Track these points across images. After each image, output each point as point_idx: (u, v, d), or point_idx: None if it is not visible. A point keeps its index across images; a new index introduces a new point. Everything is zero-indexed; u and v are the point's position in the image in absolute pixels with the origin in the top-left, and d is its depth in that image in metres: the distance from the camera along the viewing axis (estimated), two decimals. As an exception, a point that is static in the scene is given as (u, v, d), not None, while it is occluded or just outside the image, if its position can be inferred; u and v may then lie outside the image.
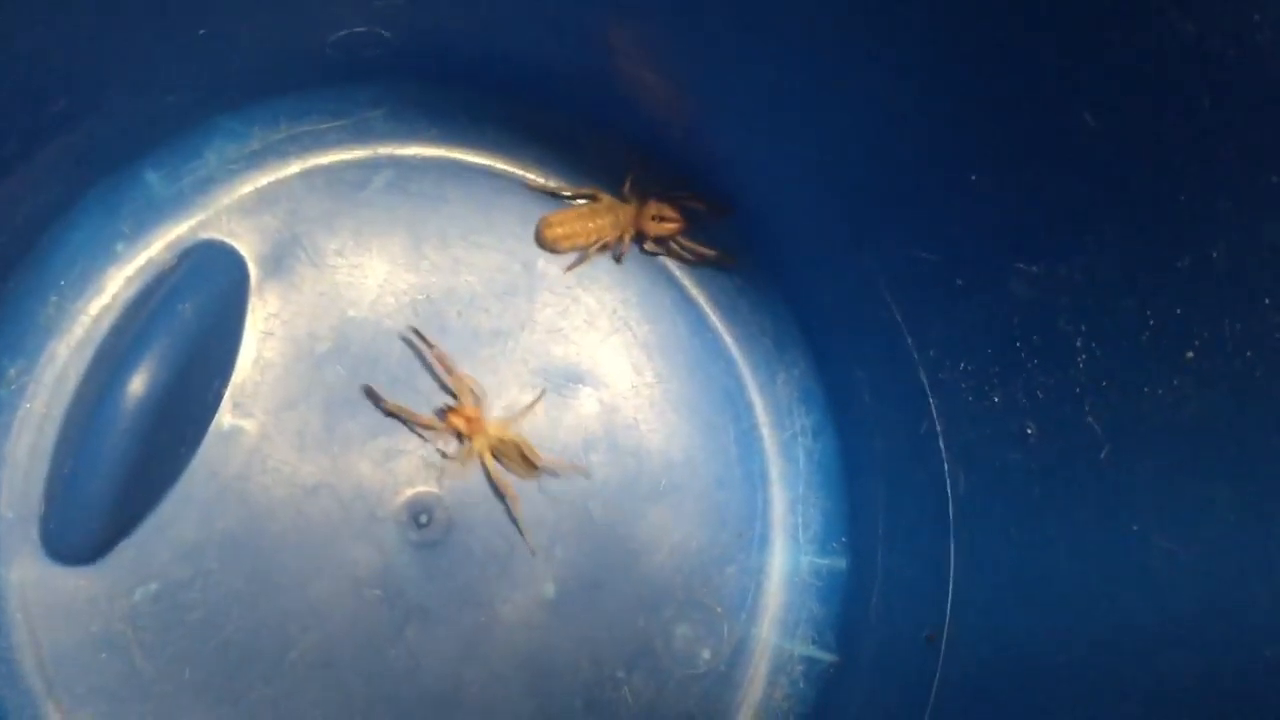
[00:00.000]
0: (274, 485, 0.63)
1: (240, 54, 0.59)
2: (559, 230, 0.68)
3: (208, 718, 0.61)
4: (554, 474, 0.66)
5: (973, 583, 0.58)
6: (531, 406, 0.66)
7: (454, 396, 0.66)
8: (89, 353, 0.62)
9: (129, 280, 0.63)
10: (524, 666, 0.65)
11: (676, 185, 0.68)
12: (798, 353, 0.69)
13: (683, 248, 0.69)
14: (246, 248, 0.65)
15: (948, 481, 0.60)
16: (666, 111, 0.64)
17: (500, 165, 0.68)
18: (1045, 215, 0.48)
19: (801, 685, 0.67)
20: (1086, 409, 0.50)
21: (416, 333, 0.65)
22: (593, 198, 0.69)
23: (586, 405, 0.68)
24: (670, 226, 0.67)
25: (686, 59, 0.59)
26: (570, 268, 0.69)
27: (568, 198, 0.69)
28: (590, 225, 0.68)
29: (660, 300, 0.69)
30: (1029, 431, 0.54)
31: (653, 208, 0.67)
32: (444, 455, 0.65)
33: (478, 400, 0.66)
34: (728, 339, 0.69)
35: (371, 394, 0.64)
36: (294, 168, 0.66)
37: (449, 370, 0.65)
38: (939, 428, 0.60)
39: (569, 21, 0.59)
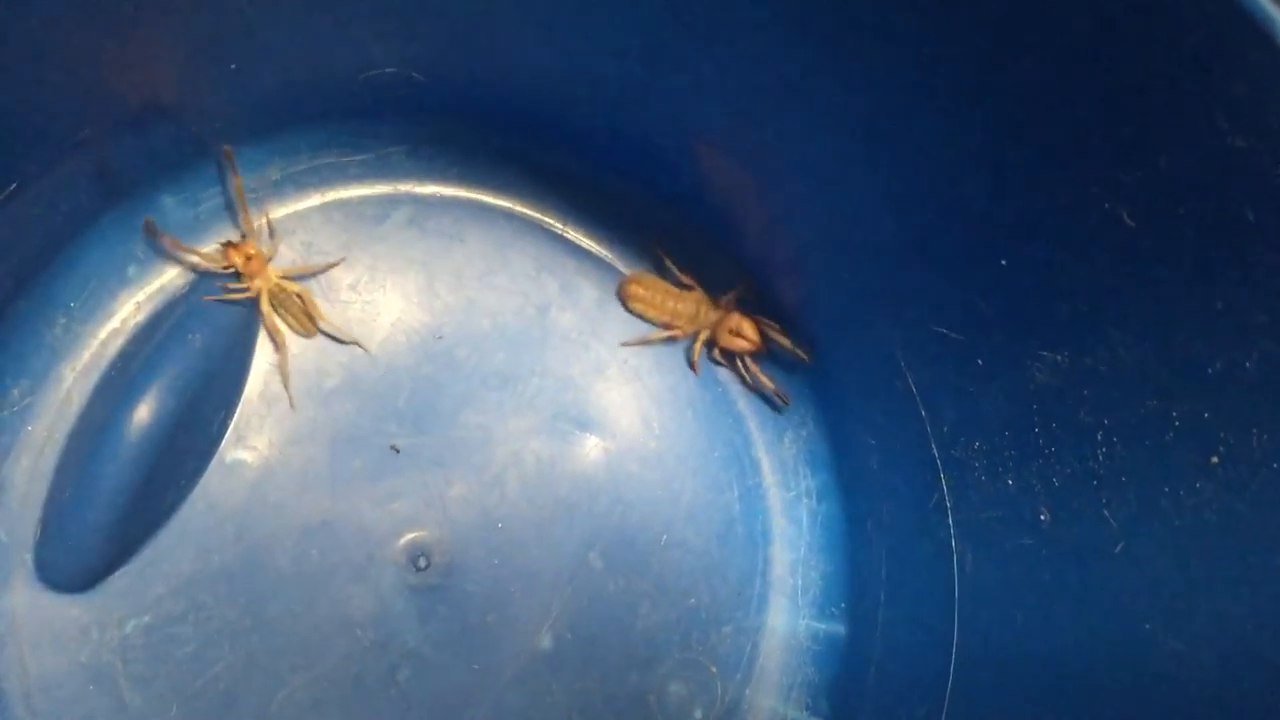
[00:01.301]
0: (273, 521, 0.62)
1: (268, 87, 0.58)
2: (640, 290, 0.68)
3: (192, 757, 0.61)
4: (335, 338, 0.65)
5: (976, 661, 0.57)
6: (327, 269, 0.65)
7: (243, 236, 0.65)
8: (95, 377, 0.61)
9: (139, 305, 0.63)
10: (514, 715, 0.63)
11: (768, 315, 0.67)
12: (807, 413, 0.69)
13: (747, 369, 0.68)
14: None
15: (955, 557, 0.59)
16: (701, 169, 0.64)
17: (520, 209, 0.68)
18: (1074, 306, 0.48)
19: (793, 751, 0.67)
20: (1104, 501, 0.50)
21: (228, 153, 0.63)
22: (689, 286, 0.68)
23: (592, 453, 0.67)
24: (742, 344, 0.67)
25: (720, 119, 0.59)
26: (629, 343, 0.68)
27: (669, 275, 0.69)
28: (670, 304, 0.68)
29: (672, 353, 0.69)
30: (1042, 518, 0.53)
31: (734, 320, 0.67)
32: (226, 289, 0.63)
33: (267, 245, 0.64)
34: (736, 395, 0.69)
35: (150, 227, 0.62)
36: (313, 200, 0.66)
37: (244, 206, 0.63)
38: (949, 503, 0.60)
39: (605, 81, 0.59)
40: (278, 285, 0.63)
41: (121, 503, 0.58)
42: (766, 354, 0.68)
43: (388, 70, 0.59)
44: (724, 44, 0.53)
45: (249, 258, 0.62)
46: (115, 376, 0.60)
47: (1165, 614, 0.47)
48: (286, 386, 0.64)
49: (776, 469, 0.69)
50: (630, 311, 0.69)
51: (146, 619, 0.60)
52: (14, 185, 0.52)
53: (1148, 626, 0.48)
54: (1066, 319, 0.49)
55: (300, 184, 0.65)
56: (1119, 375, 0.47)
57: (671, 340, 0.68)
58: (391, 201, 0.66)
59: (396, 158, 0.66)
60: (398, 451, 0.64)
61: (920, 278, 0.56)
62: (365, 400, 0.64)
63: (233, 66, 0.55)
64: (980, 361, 0.54)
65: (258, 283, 0.63)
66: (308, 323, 0.64)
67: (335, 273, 0.65)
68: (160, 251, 0.63)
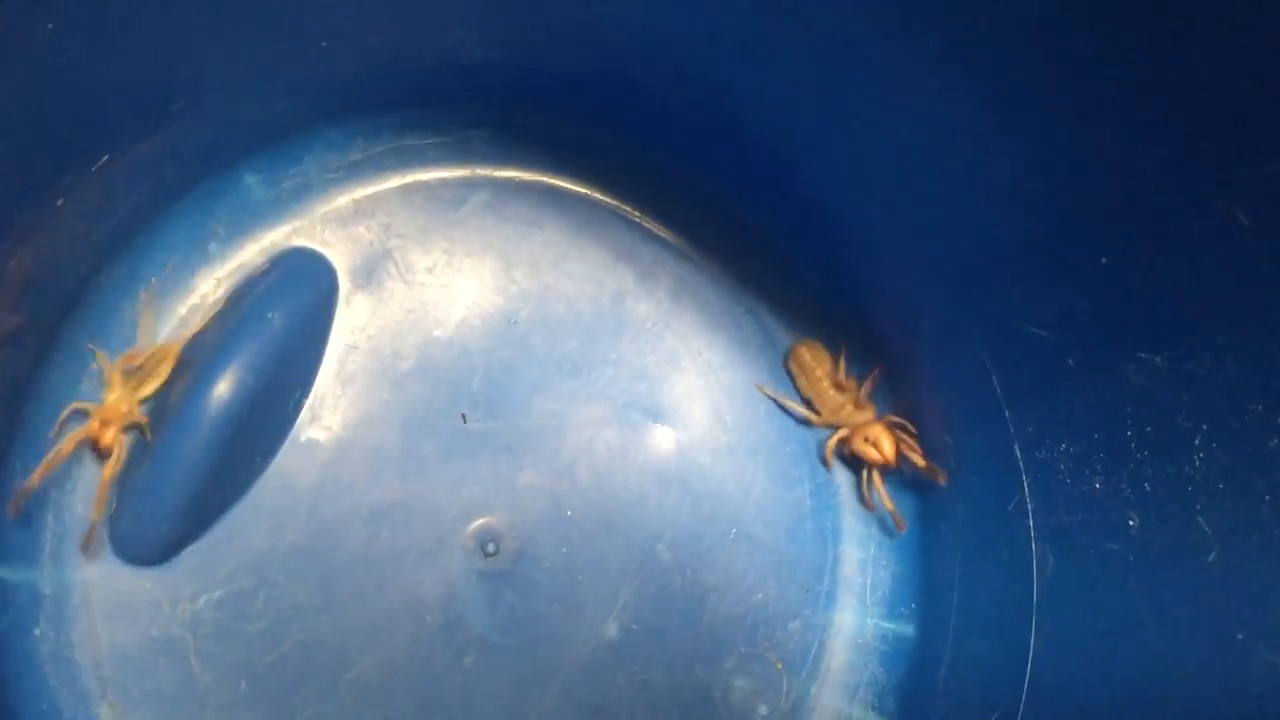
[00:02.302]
0: (345, 501, 0.62)
1: (354, 67, 0.58)
2: (806, 356, 0.67)
3: (259, 733, 0.61)
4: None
5: (1053, 668, 0.56)
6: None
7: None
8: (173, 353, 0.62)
9: (219, 281, 0.63)
10: (580, 707, 0.63)
11: (910, 428, 0.66)
12: (883, 410, 0.67)
13: (870, 480, 0.66)
14: (339, 258, 0.64)
15: (1034, 562, 0.58)
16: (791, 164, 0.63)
17: (598, 196, 0.68)
18: (1178, 308, 0.46)
19: (859, 751, 0.66)
20: (1198, 508, 0.48)
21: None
22: (844, 389, 0.66)
23: (662, 444, 0.66)
24: (874, 456, 0.64)
25: (815, 115, 0.58)
26: (766, 390, 0.67)
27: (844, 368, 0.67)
28: (823, 385, 0.66)
29: (745, 346, 0.68)
30: (1131, 523, 0.52)
31: (874, 430, 0.64)
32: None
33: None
34: (812, 389, 0.68)
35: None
36: (392, 182, 0.65)
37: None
38: (1030, 505, 0.58)
39: (694, 70, 0.58)
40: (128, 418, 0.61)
41: (197, 479, 0.58)
42: (898, 470, 0.65)
43: (473, 54, 0.58)
44: (826, 34, 0.52)
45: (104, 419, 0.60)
46: (194, 353, 0.61)
47: (1260, 625, 0.46)
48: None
49: (848, 466, 0.68)
50: (785, 368, 0.68)
51: (218, 594, 0.61)
52: (105, 158, 0.52)
53: (1240, 637, 0.46)
54: (1169, 321, 0.47)
55: (380, 165, 0.65)
56: (1222, 380, 0.46)
57: (805, 423, 0.67)
58: (470, 185, 0.66)
59: (476, 142, 0.66)
60: (465, 421, 0.64)
61: (1013, 275, 0.55)
62: (439, 383, 0.64)
63: (323, 44, 0.54)
64: (1071, 362, 0.53)
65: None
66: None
67: (413, 255, 0.65)
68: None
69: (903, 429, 0.65)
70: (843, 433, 0.66)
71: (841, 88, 0.55)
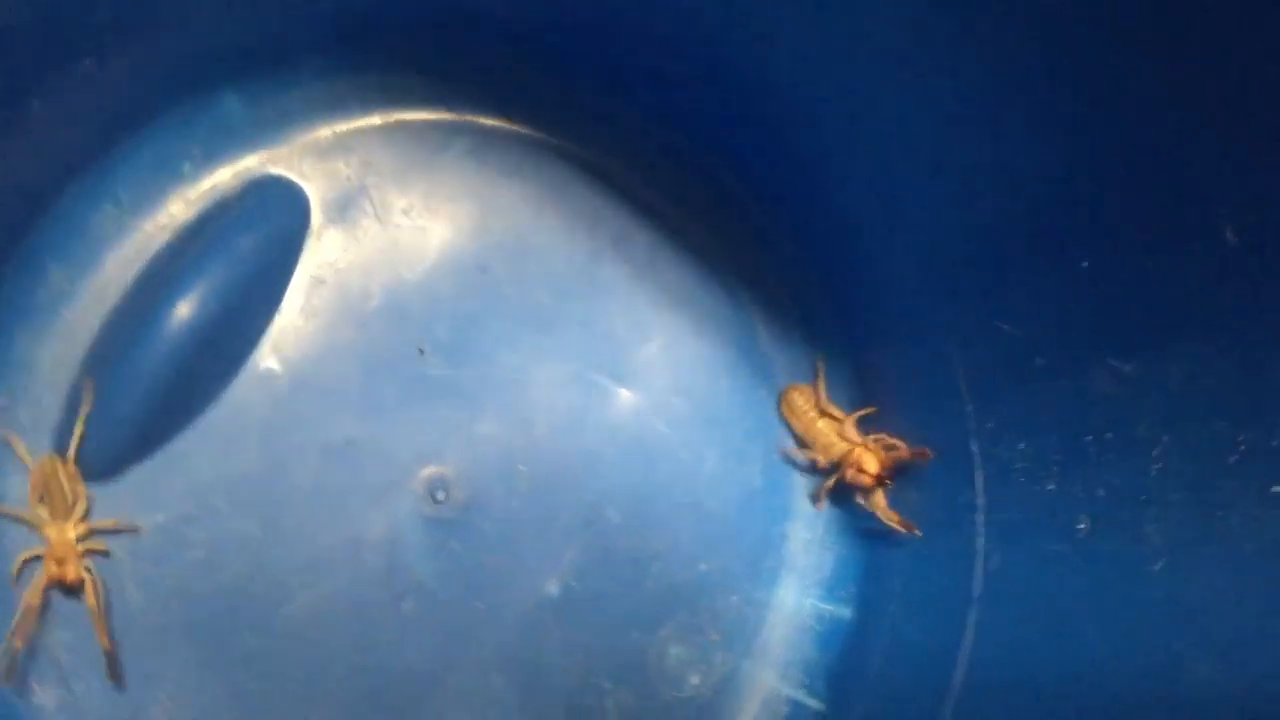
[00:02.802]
0: (298, 436, 0.61)
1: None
2: (798, 400, 0.66)
3: (190, 660, 0.59)
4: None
5: (987, 663, 0.57)
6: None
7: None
8: (136, 269, 0.60)
9: (190, 203, 0.61)
10: (513, 660, 0.63)
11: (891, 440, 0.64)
12: (841, 387, 0.67)
13: (869, 501, 0.64)
14: (314, 190, 0.63)
15: (979, 556, 0.59)
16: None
17: (583, 153, 0.66)
18: (1156, 316, 0.47)
19: (784, 728, 0.66)
20: (1150, 516, 0.49)
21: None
22: (831, 415, 0.66)
23: (623, 408, 0.66)
24: (865, 479, 0.63)
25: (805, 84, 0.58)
26: (787, 453, 0.67)
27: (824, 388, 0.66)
28: (816, 423, 0.66)
29: (715, 317, 0.68)
30: (1080, 526, 0.53)
31: (854, 455, 0.63)
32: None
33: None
34: (776, 369, 0.68)
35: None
36: (375, 119, 0.64)
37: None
38: (980, 501, 0.59)
39: (691, 37, 0.58)
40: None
41: (150, 397, 0.57)
42: (890, 485, 0.64)
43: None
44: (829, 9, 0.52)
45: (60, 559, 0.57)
46: (158, 271, 0.59)
47: (1198, 636, 0.47)
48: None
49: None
50: (779, 415, 0.67)
51: (160, 517, 0.59)
52: (88, 61, 0.51)
53: (1177, 647, 0.47)
54: (1144, 329, 0.48)
55: (365, 101, 0.64)
56: (1190, 392, 0.46)
57: (813, 464, 0.66)
58: (454, 130, 0.65)
59: (464, 87, 0.65)
60: (423, 353, 0.63)
61: (992, 269, 0.55)
62: (404, 326, 0.63)
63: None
64: (1040, 362, 0.54)
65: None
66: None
67: (390, 195, 0.64)
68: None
69: (883, 443, 0.64)
70: (838, 473, 0.65)
71: (840, 63, 0.55)
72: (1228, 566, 0.46)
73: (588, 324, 0.66)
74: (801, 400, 0.67)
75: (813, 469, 0.67)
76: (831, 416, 0.66)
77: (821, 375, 0.67)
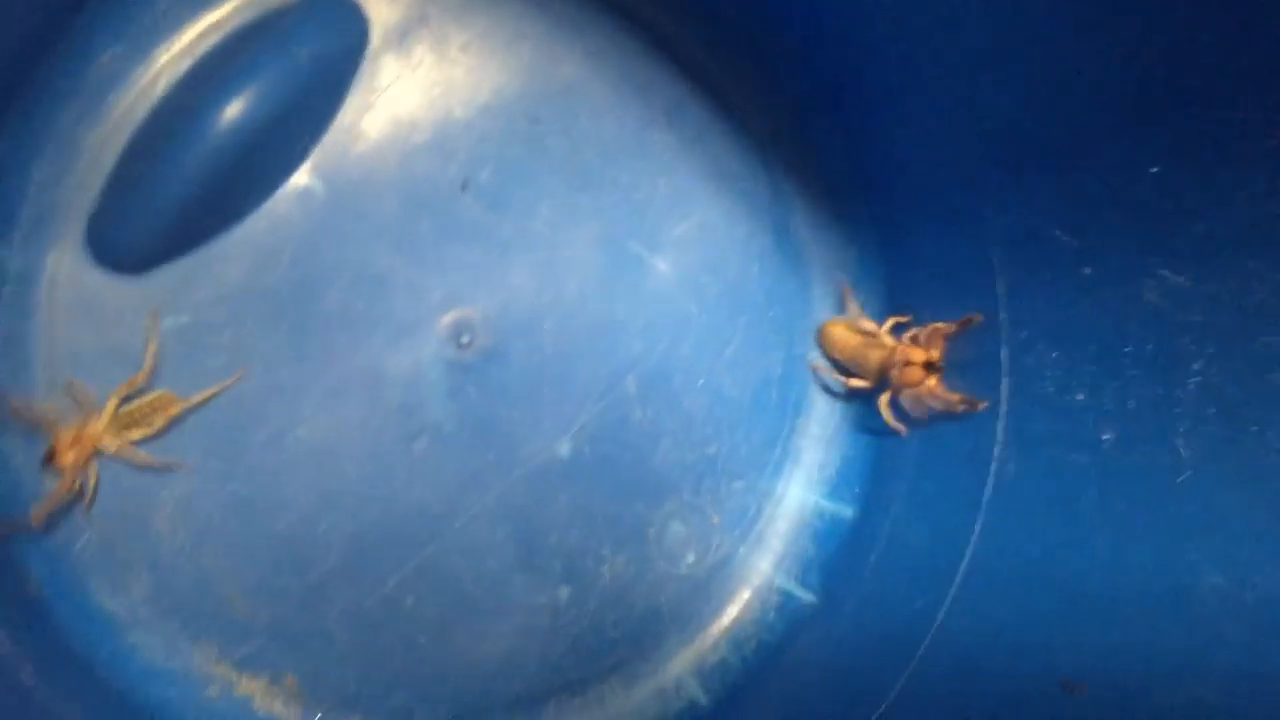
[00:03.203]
0: (331, 258, 0.61)
1: None
2: (835, 333, 0.65)
3: (198, 465, 0.59)
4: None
5: (990, 568, 0.57)
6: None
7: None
8: (186, 64, 0.59)
9: (248, 5, 0.60)
10: (517, 514, 0.63)
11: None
12: (873, 291, 0.67)
13: (928, 394, 0.61)
14: (375, 12, 0.61)
15: (993, 464, 0.59)
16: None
17: (652, 17, 0.65)
18: (1215, 227, 0.47)
19: (773, 616, 0.66)
20: (1180, 430, 0.49)
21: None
22: (870, 332, 0.64)
23: (654, 280, 0.65)
24: (913, 373, 0.61)
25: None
26: (817, 367, 0.67)
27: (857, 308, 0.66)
28: (855, 346, 0.64)
29: (757, 201, 0.67)
30: (1105, 438, 0.53)
31: (901, 354, 0.61)
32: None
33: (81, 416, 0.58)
34: (811, 259, 0.67)
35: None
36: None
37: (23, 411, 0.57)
38: (1003, 408, 0.59)
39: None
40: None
41: (189, 195, 0.56)
42: (941, 367, 0.62)
43: None
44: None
45: (77, 441, 0.56)
46: (211, 68, 0.58)
47: (1214, 549, 0.47)
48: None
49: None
50: (821, 350, 0.67)
51: (185, 319, 0.59)
52: None
53: (1191, 557, 0.48)
54: (1202, 239, 0.48)
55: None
56: (1241, 306, 0.46)
57: (861, 390, 0.65)
58: (523, -32, 0.64)
59: (538, -74, 0.63)
60: (464, 189, 0.62)
61: (1048, 169, 0.54)
62: (448, 164, 0.62)
63: None
64: (1088, 271, 0.53)
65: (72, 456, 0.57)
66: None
67: (449, 28, 0.62)
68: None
69: (923, 332, 0.63)
70: (891, 388, 0.63)
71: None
72: (1254, 482, 0.46)
73: (630, 190, 0.65)
74: (838, 330, 0.66)
75: (859, 395, 0.66)
76: (866, 332, 0.65)
77: (849, 295, 0.67)
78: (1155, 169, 0.49)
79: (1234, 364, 0.47)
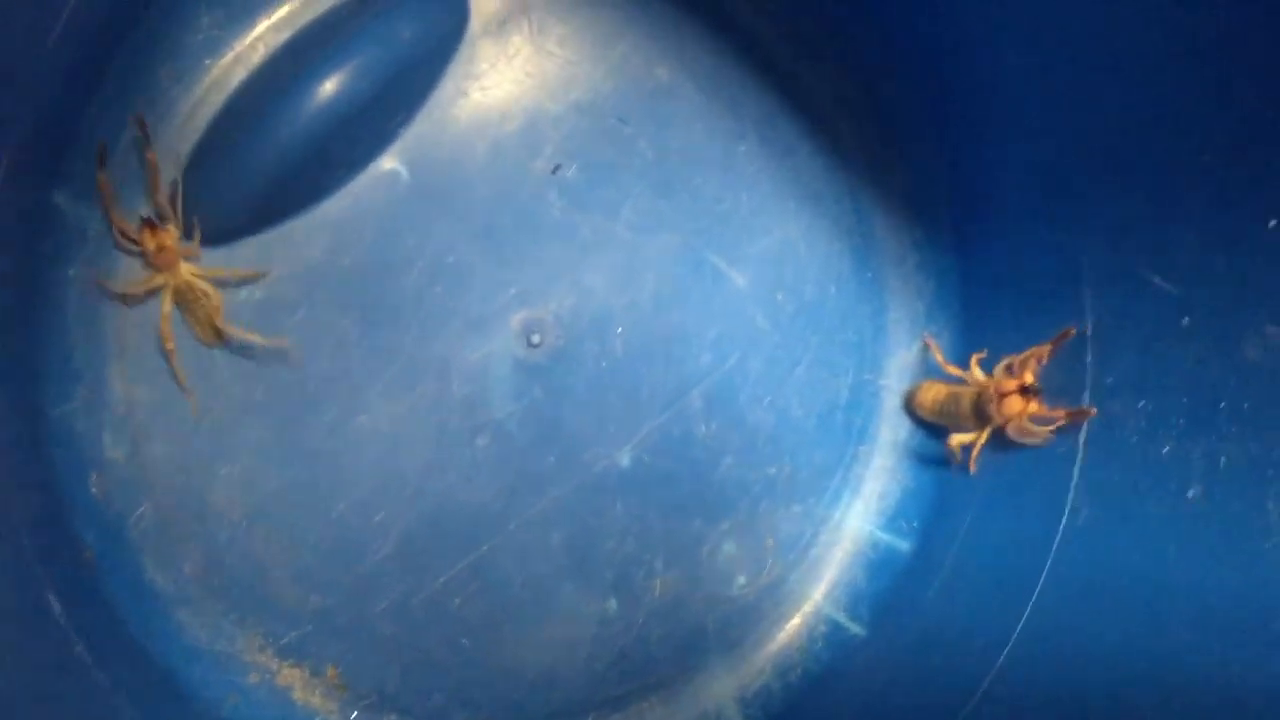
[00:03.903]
0: (411, 244, 0.60)
1: None
2: (925, 395, 0.63)
3: (261, 444, 0.59)
4: (244, 343, 0.58)
5: (1057, 617, 0.56)
6: (243, 280, 0.59)
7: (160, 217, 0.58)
8: (285, 35, 0.58)
9: (348, -22, 0.59)
10: (573, 519, 0.62)
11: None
12: (950, 323, 0.66)
13: (1031, 417, 0.59)
14: (476, -1, 0.61)
15: (1066, 510, 0.58)
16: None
17: (753, 25, 0.64)
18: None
19: (820, 646, 0.65)
20: (1273, 494, 0.48)
21: (141, 122, 0.56)
22: (960, 379, 0.62)
23: (728, 294, 0.64)
24: (1012, 402, 0.58)
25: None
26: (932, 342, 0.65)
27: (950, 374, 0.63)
28: (949, 407, 0.62)
29: (839, 224, 0.66)
30: (1190, 494, 0.52)
31: (995, 387, 0.59)
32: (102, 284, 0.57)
33: (185, 235, 0.58)
34: (890, 284, 0.66)
35: (103, 151, 0.55)
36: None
37: (156, 184, 0.56)
38: (1080, 454, 0.58)
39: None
40: (186, 283, 0.57)
41: (277, 169, 0.56)
42: (1040, 390, 0.59)
43: None
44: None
45: (161, 248, 0.56)
46: (311, 42, 0.57)
47: (1307, 618, 0.46)
48: (182, 385, 0.58)
49: (896, 371, 0.67)
50: (917, 420, 0.66)
51: (259, 294, 0.58)
52: None
53: (1276, 627, 0.47)
54: (1318, 299, 0.47)
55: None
56: (1349, 371, 0.45)
57: (969, 444, 0.62)
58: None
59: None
60: (556, 172, 0.61)
61: (1153, 212, 0.53)
62: (535, 157, 0.61)
63: None
64: (1187, 321, 0.52)
65: (163, 277, 0.56)
66: (210, 331, 0.57)
67: (549, 20, 0.61)
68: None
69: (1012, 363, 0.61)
70: (991, 426, 0.61)
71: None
72: (1354, 554, 0.45)
73: (713, 201, 0.64)
74: (922, 389, 0.64)
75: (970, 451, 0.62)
76: (953, 380, 0.63)
77: (935, 348, 0.65)
78: (1273, 223, 0.48)
79: (1339, 430, 0.46)
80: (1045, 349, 0.58)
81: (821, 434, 0.66)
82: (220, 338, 0.58)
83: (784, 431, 0.65)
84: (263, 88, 0.56)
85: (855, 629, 0.65)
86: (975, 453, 0.61)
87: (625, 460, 0.63)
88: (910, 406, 0.66)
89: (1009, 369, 0.60)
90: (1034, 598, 0.58)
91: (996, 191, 0.63)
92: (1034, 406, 0.58)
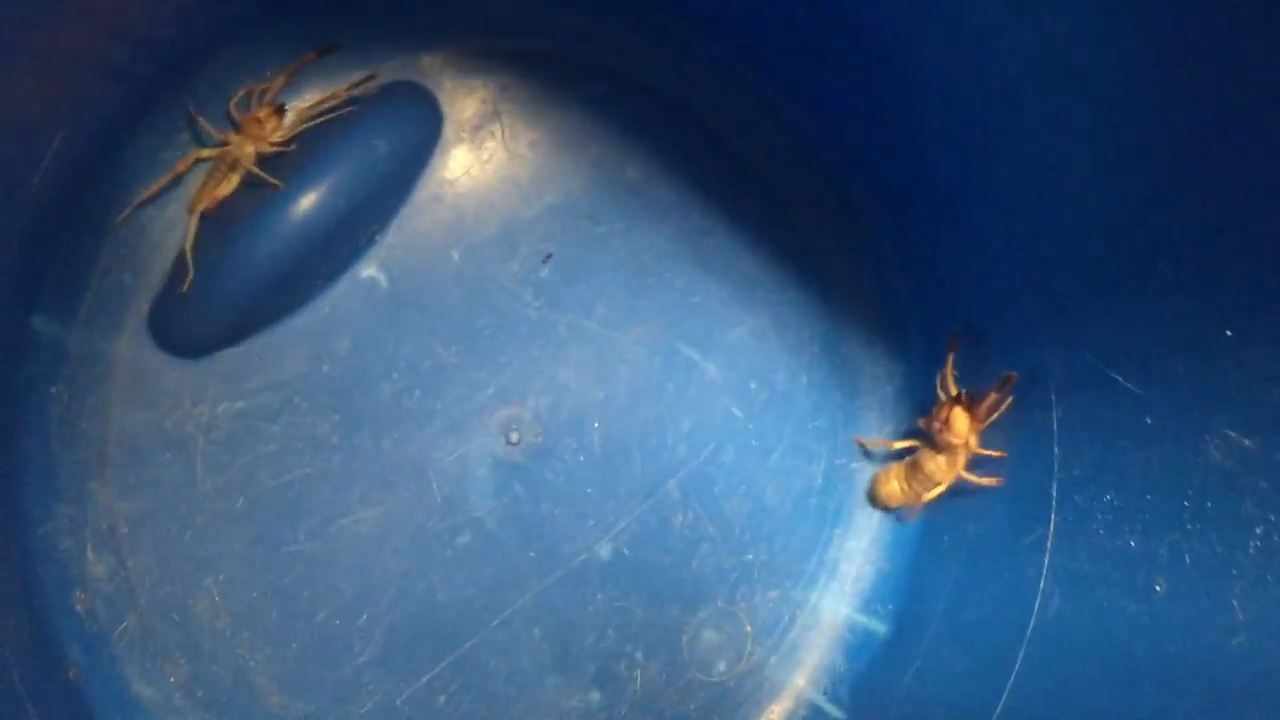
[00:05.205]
0: (388, 349, 0.61)
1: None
2: (883, 488, 0.65)
3: (244, 553, 0.59)
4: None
5: (1033, 703, 0.57)
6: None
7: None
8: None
9: (325, 95, 0.60)
10: (554, 613, 0.63)
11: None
12: (915, 405, 0.67)
13: (963, 445, 0.62)
14: (450, 105, 0.62)
15: (1038, 599, 0.59)
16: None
17: (718, 123, 0.65)
18: (1293, 398, 0.47)
19: (801, 729, 0.66)
20: (1238, 591, 0.49)
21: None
22: (914, 449, 0.64)
23: (703, 384, 0.65)
24: (961, 423, 0.60)
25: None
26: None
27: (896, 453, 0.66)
28: (915, 488, 0.63)
29: (808, 312, 0.67)
30: (1157, 588, 0.53)
31: (936, 423, 0.61)
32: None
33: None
34: (856, 369, 0.67)
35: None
36: (524, 43, 0.63)
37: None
38: (1049, 543, 0.59)
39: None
40: (245, 158, 0.58)
41: (256, 282, 0.56)
42: (975, 410, 0.61)
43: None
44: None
45: (264, 121, 0.58)
46: (288, 158, 0.58)
47: (1273, 715, 0.47)
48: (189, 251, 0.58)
49: (869, 456, 0.68)
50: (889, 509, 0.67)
51: (240, 405, 0.58)
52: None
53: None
54: (1276, 409, 0.48)
55: (521, 25, 0.62)
56: (1312, 479, 0.47)
57: (942, 494, 0.63)
58: (595, 73, 0.64)
59: (623, 31, 0.63)
60: (546, 261, 0.63)
61: (1119, 313, 0.54)
62: (510, 259, 0.62)
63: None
64: (1149, 421, 0.54)
65: (237, 147, 0.58)
66: (211, 200, 0.58)
67: (520, 125, 0.63)
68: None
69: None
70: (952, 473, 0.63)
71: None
72: (1317, 654, 0.46)
73: (685, 294, 0.65)
74: (879, 481, 0.65)
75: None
76: (904, 453, 0.65)
77: (882, 444, 0.66)
78: (1229, 333, 0.49)
79: (1300, 534, 0.48)
80: (992, 397, 0.60)
81: (796, 519, 0.67)
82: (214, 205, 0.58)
83: (760, 518, 0.66)
84: (240, 206, 0.57)
85: (835, 712, 0.66)
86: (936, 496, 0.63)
87: (605, 552, 0.64)
88: (877, 500, 0.67)
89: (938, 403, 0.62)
90: (1010, 682, 0.59)
91: (960, 288, 0.64)
92: (976, 413, 0.60)
